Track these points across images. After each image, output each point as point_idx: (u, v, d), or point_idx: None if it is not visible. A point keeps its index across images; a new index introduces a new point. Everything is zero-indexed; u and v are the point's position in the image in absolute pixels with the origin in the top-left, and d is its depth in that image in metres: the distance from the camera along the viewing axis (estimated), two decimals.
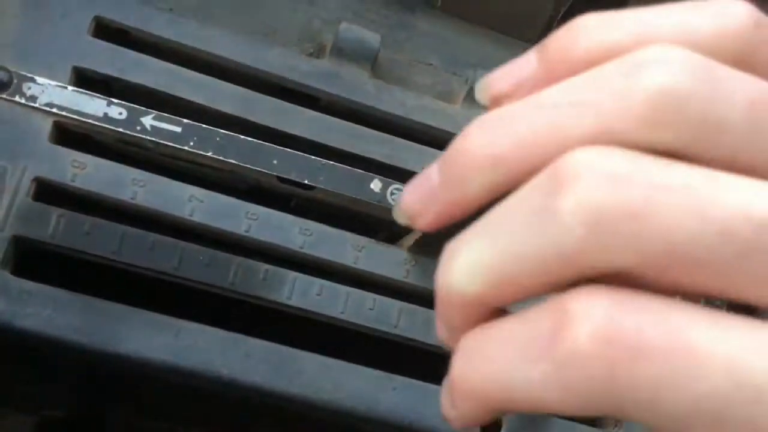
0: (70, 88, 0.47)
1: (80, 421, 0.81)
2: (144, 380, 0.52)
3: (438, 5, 0.58)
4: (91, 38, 0.48)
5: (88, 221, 0.45)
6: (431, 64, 0.57)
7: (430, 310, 0.50)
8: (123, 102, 0.47)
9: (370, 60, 0.53)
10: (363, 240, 0.50)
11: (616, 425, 0.51)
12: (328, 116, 0.51)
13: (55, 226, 0.45)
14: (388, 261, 0.50)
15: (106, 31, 0.49)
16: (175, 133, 0.48)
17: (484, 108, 0.55)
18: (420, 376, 0.50)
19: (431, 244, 0.49)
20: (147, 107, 0.48)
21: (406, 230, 0.52)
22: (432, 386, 0.49)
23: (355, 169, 0.50)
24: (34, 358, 0.56)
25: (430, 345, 0.50)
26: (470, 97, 0.55)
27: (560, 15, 0.39)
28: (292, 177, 0.49)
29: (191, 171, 0.50)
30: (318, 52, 0.55)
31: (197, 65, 0.50)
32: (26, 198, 0.44)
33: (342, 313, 0.48)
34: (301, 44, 0.55)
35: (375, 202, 0.50)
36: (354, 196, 0.50)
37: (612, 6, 0.40)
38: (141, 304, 0.46)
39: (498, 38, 0.59)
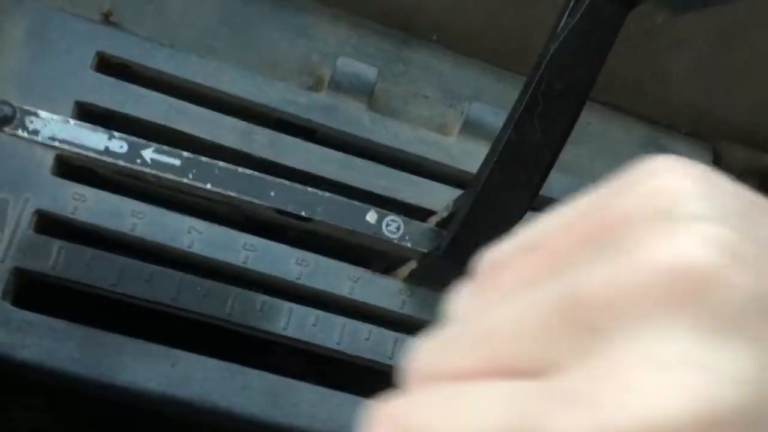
0: (72, 121, 0.48)
1: None
2: (140, 413, 0.53)
3: (434, 39, 0.59)
4: (93, 73, 0.49)
5: (88, 253, 0.46)
6: (427, 97, 0.58)
7: (417, 336, 0.50)
8: (124, 135, 0.48)
9: (367, 93, 0.54)
10: (359, 271, 0.51)
11: None
12: (325, 148, 0.52)
13: (56, 257, 0.45)
14: (384, 292, 0.51)
15: (108, 65, 0.50)
16: (175, 165, 0.48)
17: (479, 139, 0.55)
18: None
19: (426, 274, 0.49)
20: (148, 140, 0.49)
21: (402, 261, 0.53)
22: None
23: (352, 201, 0.51)
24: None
25: None
26: (465, 129, 0.56)
27: (552, 51, 0.40)
28: (290, 209, 0.50)
29: (190, 203, 0.51)
30: (316, 85, 0.56)
31: (198, 99, 0.51)
32: (28, 230, 0.45)
33: (338, 344, 0.49)
34: (300, 77, 0.56)
35: (371, 234, 0.50)
36: (350, 228, 0.50)
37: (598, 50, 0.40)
38: (139, 335, 0.46)
39: (493, 71, 0.60)
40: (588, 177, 0.60)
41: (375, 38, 0.58)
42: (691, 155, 0.64)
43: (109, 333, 0.45)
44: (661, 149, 0.63)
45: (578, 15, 0.40)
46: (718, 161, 0.66)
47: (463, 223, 0.45)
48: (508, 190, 0.44)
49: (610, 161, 0.61)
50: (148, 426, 0.69)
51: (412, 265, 0.51)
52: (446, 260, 0.48)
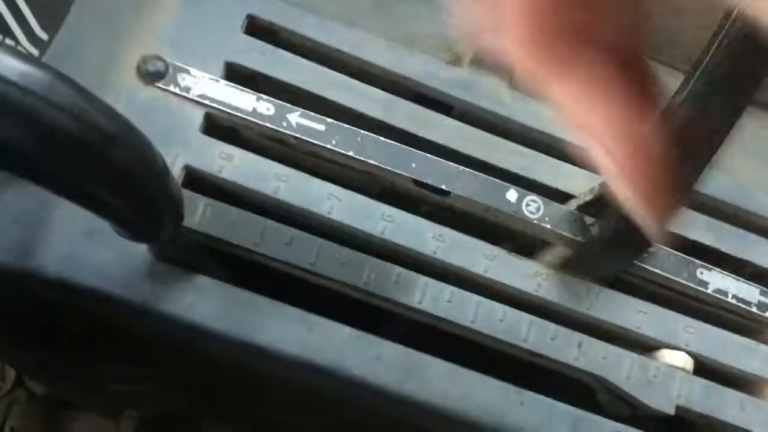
0: (222, 81, 0.48)
1: (178, 424, 0.82)
2: (265, 379, 0.53)
3: None
4: (243, 35, 0.49)
5: (232, 212, 0.46)
6: None
7: (561, 327, 0.49)
8: (271, 98, 0.48)
9: (506, 71, 0.53)
10: (495, 250, 0.49)
11: None
12: (464, 125, 0.51)
13: (202, 214, 0.45)
14: (519, 273, 0.49)
15: (257, 29, 0.50)
16: (319, 131, 0.48)
17: None
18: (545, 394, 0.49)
19: (581, 263, 0.48)
20: (293, 105, 0.49)
21: (534, 241, 0.51)
22: (559, 404, 0.48)
23: (492, 178, 0.50)
24: (148, 356, 0.57)
25: (558, 361, 0.48)
26: None
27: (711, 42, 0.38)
28: (429, 182, 0.49)
29: (327, 170, 0.50)
30: (454, 62, 0.55)
31: (342, 67, 0.51)
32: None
33: (472, 322, 0.48)
34: (437, 53, 0.55)
35: (511, 212, 0.49)
36: (490, 205, 0.49)
37: None
38: (278, 297, 0.46)
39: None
40: (731, 173, 0.58)
41: None
42: None
43: (249, 293, 0.45)
44: None
45: None
46: None
47: (621, 216, 0.43)
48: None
49: (755, 161, 0.59)
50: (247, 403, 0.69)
51: (563, 252, 0.49)
52: (606, 250, 0.46)
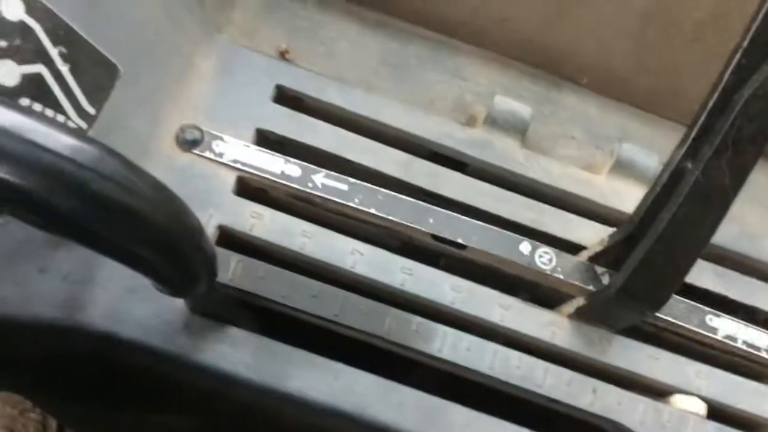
0: (253, 147, 0.52)
1: None
2: (294, 425, 0.55)
3: (584, 83, 0.61)
4: (272, 104, 0.54)
5: (262, 267, 0.50)
6: (575, 138, 0.60)
7: (576, 373, 0.51)
8: (298, 161, 0.52)
9: (521, 130, 0.56)
10: (510, 300, 0.52)
11: None
12: (478, 181, 0.55)
13: (234, 269, 0.49)
14: (534, 322, 0.52)
15: (285, 97, 0.54)
16: (343, 190, 0.52)
17: (629, 179, 0.56)
18: None
19: (594, 312, 0.50)
20: (318, 167, 0.52)
21: (549, 291, 0.54)
22: None
23: (506, 231, 0.53)
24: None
25: (573, 407, 0.50)
26: (615, 168, 0.57)
27: (747, 97, 0.41)
28: (446, 236, 0.52)
29: (350, 227, 0.54)
30: (469, 122, 0.58)
31: (363, 130, 0.55)
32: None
33: (490, 369, 0.50)
34: (454, 114, 0.59)
35: (524, 264, 0.52)
36: (504, 257, 0.52)
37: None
38: (305, 347, 0.49)
39: (641, 115, 0.61)
40: (738, 221, 0.60)
41: (526, 80, 0.60)
42: None
43: (279, 343, 0.48)
44: None
45: None
46: None
47: (641, 263, 0.46)
48: (690, 230, 0.45)
49: (758, 205, 0.61)
50: None
51: (579, 302, 0.52)
52: (618, 299, 0.49)
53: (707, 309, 0.53)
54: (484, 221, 0.54)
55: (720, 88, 0.43)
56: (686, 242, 0.46)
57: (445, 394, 0.51)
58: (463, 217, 0.52)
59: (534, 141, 0.58)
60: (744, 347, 0.53)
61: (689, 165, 0.45)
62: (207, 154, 0.51)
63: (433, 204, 0.54)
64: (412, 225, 0.52)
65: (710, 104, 0.44)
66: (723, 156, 0.43)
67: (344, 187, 0.52)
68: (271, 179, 0.51)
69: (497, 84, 0.60)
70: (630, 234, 0.50)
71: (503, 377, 0.50)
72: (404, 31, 0.60)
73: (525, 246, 0.53)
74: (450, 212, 0.53)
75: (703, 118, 0.44)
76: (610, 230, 0.54)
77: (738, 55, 0.43)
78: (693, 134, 0.45)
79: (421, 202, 0.52)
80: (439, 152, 0.56)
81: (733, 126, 0.42)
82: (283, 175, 0.52)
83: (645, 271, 0.47)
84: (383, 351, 0.51)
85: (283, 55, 0.58)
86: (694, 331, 0.53)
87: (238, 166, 0.51)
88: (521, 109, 0.56)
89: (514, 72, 0.60)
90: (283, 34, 0.59)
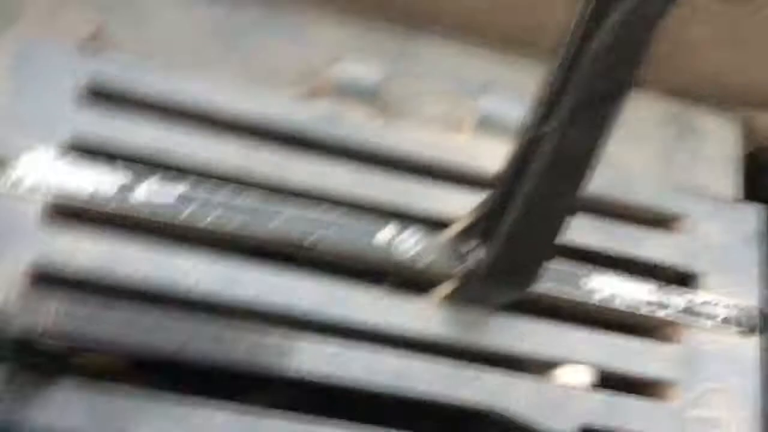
0: (61, 162, 0.44)
1: None
2: None
3: (439, 30, 0.55)
4: (81, 104, 0.46)
5: (89, 305, 0.43)
6: (437, 92, 0.54)
7: (455, 363, 0.48)
8: (115, 175, 0.45)
9: (372, 97, 0.50)
10: (375, 294, 0.48)
11: None
12: (333, 161, 0.49)
13: (55, 314, 0.43)
14: (405, 313, 0.48)
15: (97, 94, 0.46)
16: (172, 201, 0.45)
17: (495, 134, 0.52)
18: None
19: (468, 294, 0.47)
20: (145, 169, 0.45)
21: (419, 276, 0.50)
22: None
23: (361, 221, 0.48)
24: None
25: (453, 402, 0.47)
26: (479, 125, 0.52)
27: (596, 50, 0.36)
28: (294, 237, 0.47)
29: (194, 235, 0.48)
30: (320, 91, 0.52)
31: (195, 119, 0.48)
32: (22, 288, 0.42)
33: (359, 377, 0.46)
34: (302, 83, 0.52)
35: (382, 255, 0.47)
36: (362, 250, 0.47)
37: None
38: (150, 385, 0.44)
39: (505, 59, 0.56)
40: (615, 162, 0.56)
41: (377, 35, 0.54)
42: (720, 126, 0.60)
43: (117, 390, 0.43)
44: (687, 125, 0.59)
45: (623, 11, 0.35)
46: (749, 130, 0.62)
47: (507, 238, 0.42)
48: (554, 199, 0.41)
49: (638, 145, 0.57)
50: None
51: (450, 283, 0.48)
52: (489, 278, 0.45)
53: (581, 272, 0.51)
54: (340, 208, 0.48)
55: (568, 44, 0.38)
56: (551, 211, 0.42)
57: (322, 401, 0.47)
58: (311, 214, 0.47)
59: (392, 104, 0.53)
60: (623, 307, 0.51)
61: (546, 128, 0.40)
62: (1, 181, 0.43)
63: (285, 195, 0.48)
64: (252, 232, 0.46)
65: (560, 62, 0.39)
66: (580, 116, 0.38)
67: (171, 198, 0.45)
68: (83, 201, 0.44)
69: (345, 44, 0.53)
70: (495, 205, 0.45)
71: (375, 383, 0.46)
72: None
73: (383, 234, 0.48)
74: (295, 209, 0.47)
75: (555, 77, 0.39)
76: (482, 195, 0.49)
77: (585, 8, 0.38)
78: (547, 95, 0.40)
79: (261, 204, 0.46)
80: (284, 134, 0.49)
81: (586, 84, 0.37)
82: (97, 194, 0.45)
83: (512, 247, 0.43)
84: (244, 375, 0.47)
85: (94, 39, 0.49)
86: (570, 297, 0.50)
87: (45, 189, 0.44)
88: (369, 72, 0.50)
89: (362, 28, 0.53)
90: (93, 11, 0.50)
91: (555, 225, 0.42)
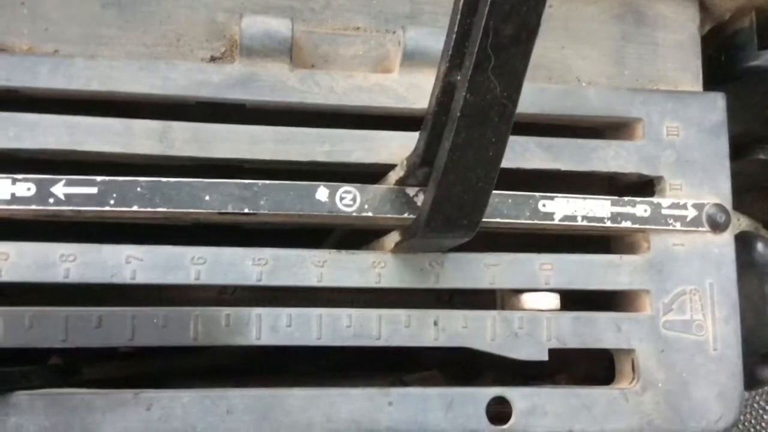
0: None
1: None
2: None
3: None
4: None
5: (27, 313, 0.42)
6: (359, 28, 0.51)
7: (412, 310, 0.46)
8: (28, 176, 0.43)
9: (285, 50, 0.47)
10: (323, 254, 0.46)
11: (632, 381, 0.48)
12: (254, 126, 0.46)
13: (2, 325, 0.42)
14: (356, 269, 0.46)
15: None
16: (92, 194, 0.43)
17: (423, 68, 0.49)
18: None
19: (413, 244, 0.45)
20: (57, 172, 0.43)
21: (369, 232, 0.48)
22: (429, 390, 0.46)
23: (296, 183, 0.45)
24: None
25: (418, 347, 0.46)
26: (406, 61, 0.49)
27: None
28: (231, 209, 0.45)
29: (126, 222, 0.46)
30: (231, 50, 0.49)
31: (99, 109, 0.45)
32: None
33: (318, 339, 0.45)
34: (210, 45, 0.49)
35: (326, 212, 0.45)
36: (302, 212, 0.45)
37: None
38: (107, 383, 0.43)
39: None
40: (561, 70, 0.53)
41: None
42: (675, 9, 0.56)
43: (74, 393, 0.42)
44: (641, 16, 0.55)
45: None
46: (705, 8, 0.57)
47: (439, 191, 0.40)
48: (477, 151, 0.38)
49: (585, 46, 0.54)
50: None
51: (397, 232, 0.46)
52: (432, 225, 0.43)
53: (538, 195, 0.48)
54: (272, 173, 0.46)
55: None
56: (477, 163, 0.39)
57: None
58: (243, 182, 0.45)
59: (310, 49, 0.49)
60: (585, 223, 0.49)
61: (458, 78, 0.37)
62: None
63: (209, 171, 0.46)
64: (185, 210, 0.44)
65: (460, 5, 0.35)
66: (487, 66, 0.35)
67: (92, 190, 0.44)
68: (2, 209, 0.43)
69: None
70: (427, 149, 0.43)
71: (336, 342, 0.45)
72: None
73: (321, 192, 0.46)
74: (226, 181, 0.45)
75: (457, 25, 0.36)
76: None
77: None
78: (452, 42, 0.37)
79: (189, 180, 0.44)
80: (198, 107, 0.47)
81: (488, 30, 0.34)
82: (14, 198, 0.43)
83: (445, 200, 0.41)
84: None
85: None
86: (530, 224, 0.48)
87: None
88: (278, 25, 0.47)
89: None
90: None
91: (484, 176, 0.39)
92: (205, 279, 0.44)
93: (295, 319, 0.45)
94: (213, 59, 0.48)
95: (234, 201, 0.45)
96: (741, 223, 0.88)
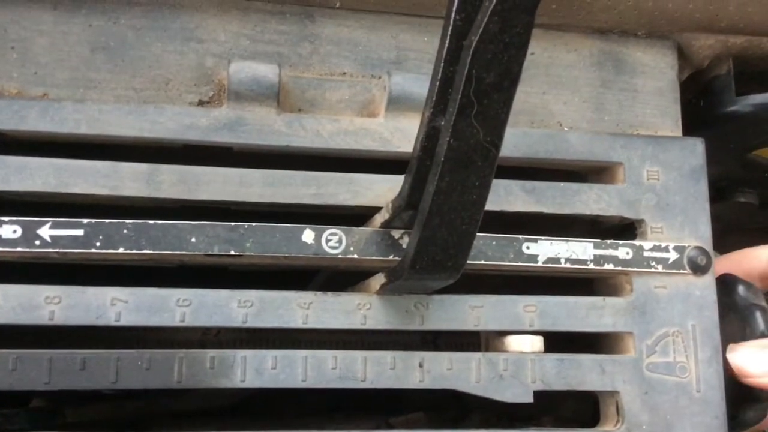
0: None
1: None
2: None
3: (337, 5, 0.52)
4: None
5: (11, 356, 0.42)
6: (345, 73, 0.52)
7: (397, 352, 0.47)
8: (14, 218, 0.43)
9: (272, 95, 0.48)
10: (309, 296, 0.46)
11: (617, 423, 0.48)
12: (242, 169, 0.47)
13: None
14: (341, 311, 0.46)
15: None
16: (78, 237, 0.44)
17: (408, 112, 0.49)
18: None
19: (398, 286, 0.45)
20: (44, 212, 0.44)
21: (355, 274, 0.48)
22: None
23: (282, 225, 0.46)
24: None
25: (404, 389, 0.46)
26: (391, 105, 0.49)
27: (475, 43, 0.33)
28: (217, 251, 0.45)
29: (116, 266, 0.46)
30: (219, 94, 0.50)
31: (88, 151, 0.46)
32: None
33: (303, 381, 0.45)
34: (198, 89, 0.50)
35: (312, 254, 0.46)
36: (288, 254, 0.46)
37: None
38: (91, 426, 0.43)
39: (411, 23, 0.53)
40: (543, 115, 0.54)
41: (272, 21, 0.51)
42: (654, 57, 0.57)
43: None
44: (620, 63, 0.56)
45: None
46: (684, 56, 0.59)
47: (423, 235, 0.40)
48: (461, 195, 0.39)
49: (566, 92, 0.55)
50: None
51: (382, 274, 0.46)
52: (416, 269, 0.43)
53: (522, 237, 0.49)
54: (259, 215, 0.47)
55: (448, 34, 0.35)
56: (461, 207, 0.40)
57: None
58: (229, 224, 0.45)
59: (297, 94, 0.50)
60: (568, 265, 0.49)
61: (441, 123, 0.38)
62: None
63: (196, 213, 0.46)
64: (172, 252, 0.44)
65: (443, 54, 0.36)
66: (470, 111, 0.36)
67: (79, 232, 0.44)
68: None
69: (240, 35, 0.50)
70: (412, 192, 0.44)
71: (321, 384, 0.45)
72: (109, 1, 0.49)
73: (308, 234, 0.46)
74: (213, 223, 0.45)
75: (441, 70, 0.37)
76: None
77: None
78: (436, 89, 0.38)
79: (175, 222, 0.45)
80: (186, 150, 0.47)
81: (471, 77, 0.35)
82: (1, 240, 0.43)
83: (430, 243, 0.41)
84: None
85: None
86: (514, 266, 0.48)
87: None
88: (265, 70, 0.47)
89: (256, 15, 0.50)
90: None
91: (468, 220, 0.40)
92: (190, 321, 0.44)
93: (280, 361, 0.45)
94: (201, 103, 0.49)
95: (220, 243, 0.45)
96: None
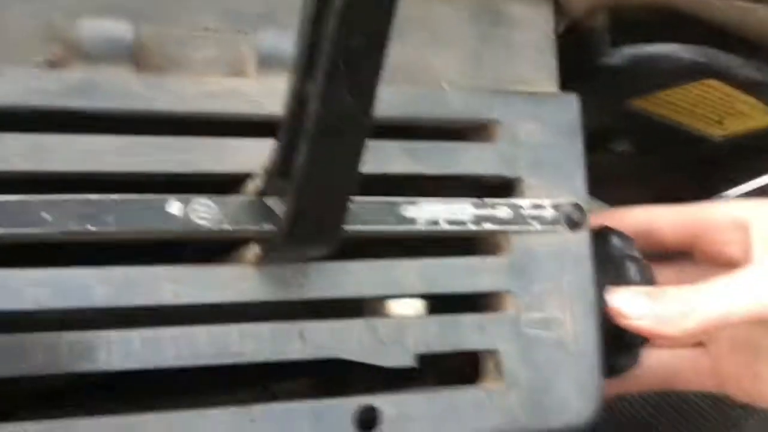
0: None
1: None
2: None
3: None
4: None
5: None
6: (209, 28, 0.48)
7: (275, 323, 0.45)
8: None
9: (127, 55, 0.44)
10: (177, 270, 0.44)
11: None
12: (97, 137, 0.43)
13: None
14: (214, 284, 0.44)
15: None
16: None
17: (281, 72, 0.47)
18: None
19: (274, 257, 0.43)
20: None
21: (223, 244, 0.46)
22: (294, 405, 0.45)
23: (145, 196, 0.43)
24: None
25: (284, 361, 0.45)
26: (262, 64, 0.47)
27: (340, 7, 0.31)
28: (73, 227, 0.41)
29: None
30: (71, 55, 0.45)
31: None
32: None
33: (176, 358, 0.43)
34: (46, 49, 0.45)
35: (179, 227, 0.43)
36: (152, 228, 0.43)
37: None
38: None
39: None
40: (421, 72, 0.53)
41: None
42: (530, 10, 0.57)
43: None
44: (497, 16, 0.55)
45: None
46: (560, 8, 0.59)
47: (295, 207, 0.39)
48: (332, 166, 0.37)
49: (443, 47, 0.53)
50: None
51: (256, 244, 0.44)
52: (290, 240, 0.41)
53: (400, 200, 0.48)
54: (119, 187, 0.43)
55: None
56: (334, 174, 0.38)
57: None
58: (87, 197, 0.42)
59: (157, 54, 0.46)
60: (448, 227, 0.49)
61: (311, 88, 0.36)
62: None
63: (51, 187, 0.42)
64: (23, 231, 0.41)
65: (307, 14, 0.34)
66: (339, 77, 0.34)
67: None
68: None
69: None
70: (284, 159, 0.41)
71: (194, 361, 0.43)
72: None
73: (173, 205, 0.43)
74: (67, 196, 0.41)
75: (306, 33, 0.35)
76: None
77: None
78: (302, 51, 0.35)
79: (25, 197, 0.41)
80: (33, 114, 0.43)
81: (337, 42, 0.33)
82: None
83: (305, 212, 0.40)
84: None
85: None
86: (393, 230, 0.47)
87: None
88: (118, 28, 0.43)
89: None
90: None
91: (341, 190, 0.38)
92: (47, 304, 0.41)
93: (147, 340, 0.43)
94: (49, 65, 0.44)
95: (77, 219, 0.41)
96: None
